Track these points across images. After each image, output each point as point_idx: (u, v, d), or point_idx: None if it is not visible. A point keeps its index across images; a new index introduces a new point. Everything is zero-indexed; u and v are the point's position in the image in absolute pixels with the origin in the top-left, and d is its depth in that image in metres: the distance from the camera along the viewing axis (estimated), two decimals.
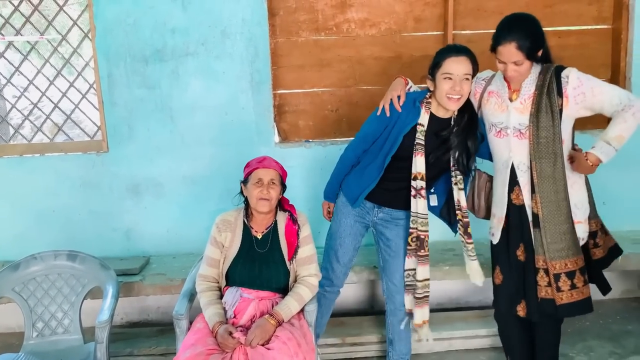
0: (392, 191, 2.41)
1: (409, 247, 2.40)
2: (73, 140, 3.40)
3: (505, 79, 2.25)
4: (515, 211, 2.28)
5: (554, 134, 2.13)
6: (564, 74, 2.15)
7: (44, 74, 3.29)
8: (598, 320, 3.25)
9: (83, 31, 3.26)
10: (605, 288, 2.46)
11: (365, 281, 3.16)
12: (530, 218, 2.24)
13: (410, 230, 2.38)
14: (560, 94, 2.13)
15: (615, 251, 2.46)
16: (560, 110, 2.14)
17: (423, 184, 2.32)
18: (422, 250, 2.38)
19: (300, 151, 3.30)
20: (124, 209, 3.28)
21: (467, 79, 2.20)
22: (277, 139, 3.34)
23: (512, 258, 2.32)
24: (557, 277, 2.21)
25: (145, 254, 3.30)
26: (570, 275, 2.21)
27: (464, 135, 2.28)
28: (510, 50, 2.09)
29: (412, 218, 2.37)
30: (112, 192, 3.26)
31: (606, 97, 2.12)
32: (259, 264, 2.26)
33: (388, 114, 2.31)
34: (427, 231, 2.37)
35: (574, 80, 2.13)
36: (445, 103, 2.22)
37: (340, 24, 3.31)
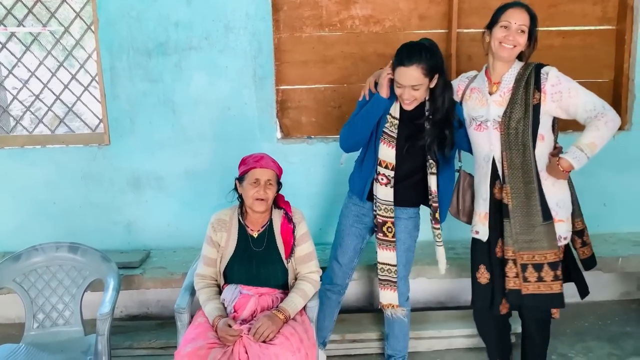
0: (398, 189, 2.40)
1: (382, 238, 2.42)
2: (75, 133, 3.39)
3: (486, 73, 2.29)
4: (497, 206, 2.29)
5: (524, 125, 2.16)
6: (544, 70, 2.20)
7: (46, 66, 3.29)
8: (597, 322, 3.26)
9: (86, 23, 3.24)
10: (583, 291, 2.48)
11: (366, 278, 3.16)
12: (502, 209, 2.27)
13: (383, 219, 2.39)
14: (538, 88, 2.17)
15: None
16: (537, 105, 2.17)
17: (392, 174, 2.33)
18: (394, 237, 2.40)
19: (302, 147, 3.30)
20: (125, 202, 3.28)
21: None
22: (279, 134, 3.33)
23: (493, 255, 2.34)
24: (524, 267, 2.23)
25: (146, 247, 3.30)
26: (538, 267, 2.23)
27: (440, 123, 2.27)
28: (521, 14, 2.16)
29: (381, 207, 2.38)
30: (113, 185, 3.26)
31: (580, 101, 2.16)
32: (257, 262, 2.25)
33: (367, 98, 2.36)
34: (392, 217, 2.38)
35: (553, 77, 2.17)
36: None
37: (344, 21, 3.30)
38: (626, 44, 3.34)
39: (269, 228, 2.29)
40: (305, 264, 2.29)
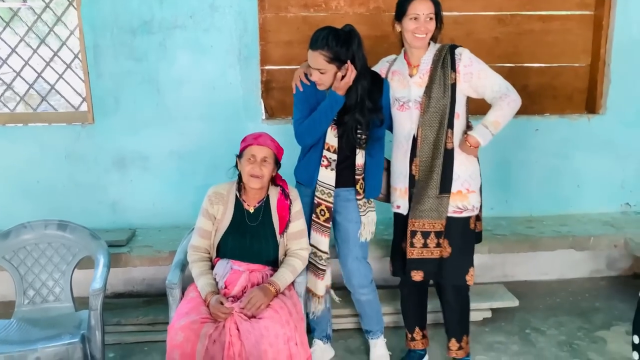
0: (341, 170, 2.45)
1: (315, 219, 2.45)
2: (58, 111, 3.36)
3: (405, 57, 2.40)
4: (413, 180, 2.41)
5: (443, 105, 2.31)
6: (457, 51, 2.33)
7: (27, 42, 3.24)
8: (568, 298, 3.42)
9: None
10: None
11: None
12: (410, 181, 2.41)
13: (318, 201, 2.43)
14: (454, 69, 2.31)
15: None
16: (454, 85, 2.32)
17: (334, 156, 2.40)
18: (328, 222, 2.46)
19: (286, 128, 3.29)
20: (110, 182, 3.28)
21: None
22: (264, 115, 3.36)
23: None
24: (413, 233, 2.39)
25: (131, 226, 3.31)
26: (425, 234, 2.38)
27: (354, 108, 2.33)
28: (425, 3, 2.29)
29: (319, 188, 2.43)
30: (97, 165, 3.25)
31: (488, 82, 2.32)
32: (250, 236, 2.30)
33: (301, 89, 2.44)
34: (332, 202, 2.43)
35: (465, 59, 2.32)
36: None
37: (330, 1, 3.32)
38: (603, 29, 3.44)
39: (265, 204, 2.35)
40: (296, 240, 2.35)
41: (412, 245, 2.39)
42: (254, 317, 2.10)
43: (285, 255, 2.37)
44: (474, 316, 3.06)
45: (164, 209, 3.33)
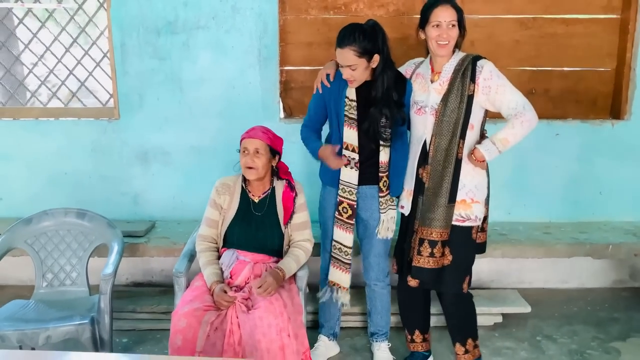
0: (364, 168, 2.48)
1: (337, 217, 2.51)
2: (86, 107, 3.53)
3: (430, 62, 2.40)
4: (418, 185, 2.42)
5: (457, 115, 2.29)
6: (479, 63, 2.31)
7: (60, 42, 3.42)
8: (586, 307, 3.34)
9: (98, 1, 3.36)
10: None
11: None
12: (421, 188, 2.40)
13: (340, 199, 2.48)
14: (473, 80, 2.28)
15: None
16: (471, 96, 2.29)
17: (356, 156, 2.43)
18: (352, 219, 2.50)
19: None
20: (133, 175, 3.42)
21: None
22: (282, 114, 3.43)
23: (410, 229, 2.47)
24: (421, 241, 2.37)
25: (152, 218, 3.44)
26: (432, 244, 2.36)
27: (380, 102, 2.36)
28: (448, 10, 2.27)
29: (341, 187, 2.47)
30: (121, 158, 3.40)
31: (506, 98, 2.29)
32: (256, 225, 2.38)
33: (320, 91, 2.50)
34: (352, 200, 2.48)
35: (486, 71, 2.29)
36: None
37: (349, 4, 3.37)
38: (629, 33, 3.36)
39: (270, 195, 2.43)
40: (300, 231, 2.43)
41: (419, 253, 2.38)
42: (252, 307, 2.17)
43: (289, 246, 2.43)
44: (484, 320, 3.04)
45: (183, 203, 3.45)
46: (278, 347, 2.07)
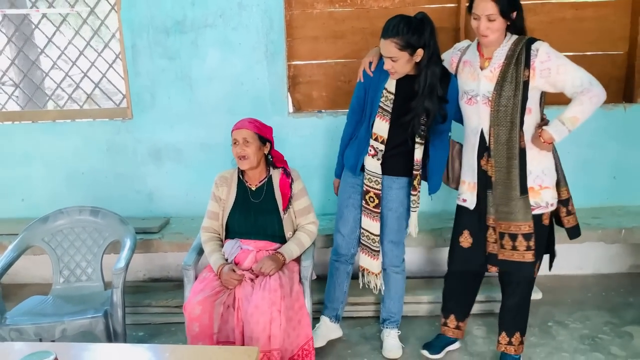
0: (386, 158, 2.51)
1: (365, 206, 2.55)
2: (101, 108, 3.63)
3: (478, 48, 2.33)
4: (484, 177, 2.38)
5: (514, 103, 2.22)
6: (534, 46, 2.22)
7: (74, 45, 3.51)
8: (600, 293, 3.30)
9: (109, 3, 3.44)
10: (551, 263, 2.60)
11: None
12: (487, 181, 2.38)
13: (367, 188, 2.52)
14: (527, 65, 2.20)
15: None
16: (526, 82, 2.21)
17: (381, 147, 2.44)
18: (377, 208, 2.53)
19: (312, 121, 3.43)
20: (147, 173, 3.51)
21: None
22: (290, 109, 3.47)
23: (483, 223, 2.44)
24: (501, 235, 2.36)
25: (166, 215, 3.53)
26: (513, 237, 2.34)
27: (422, 97, 2.33)
28: (486, 3, 2.16)
29: (367, 176, 2.51)
30: (135, 157, 3.49)
31: (569, 77, 2.19)
32: (254, 212, 2.46)
33: (362, 80, 2.49)
34: (378, 189, 2.51)
35: (542, 54, 2.20)
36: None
37: None
38: None
39: (267, 182, 2.50)
40: (304, 216, 2.51)
41: (502, 247, 2.38)
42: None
43: (295, 232, 2.51)
44: (494, 308, 3.04)
45: (196, 199, 3.51)
46: (267, 320, 2.15)
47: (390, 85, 2.42)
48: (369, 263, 2.64)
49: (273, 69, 3.36)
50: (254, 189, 2.49)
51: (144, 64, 3.37)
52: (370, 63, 2.47)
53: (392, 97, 2.42)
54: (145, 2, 3.28)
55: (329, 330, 2.80)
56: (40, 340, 2.30)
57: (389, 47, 2.28)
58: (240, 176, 2.53)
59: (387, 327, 2.77)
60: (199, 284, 2.34)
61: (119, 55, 3.47)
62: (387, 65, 2.33)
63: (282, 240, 2.48)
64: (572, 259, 3.54)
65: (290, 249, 2.42)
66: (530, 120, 2.29)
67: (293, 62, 3.46)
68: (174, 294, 3.15)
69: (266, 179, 2.49)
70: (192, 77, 3.38)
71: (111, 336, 2.37)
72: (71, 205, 2.86)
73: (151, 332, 2.99)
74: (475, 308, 2.82)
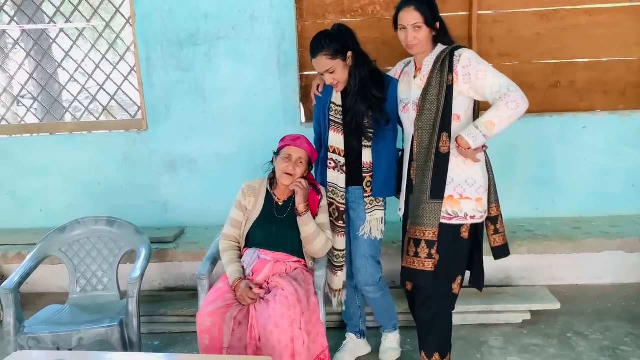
0: (351, 170, 2.50)
1: (330, 219, 2.52)
2: (116, 119, 3.68)
3: (415, 60, 2.38)
4: (410, 184, 2.35)
5: (437, 107, 2.21)
6: (457, 52, 2.23)
7: (91, 58, 3.58)
8: (621, 303, 3.23)
9: (124, 17, 3.51)
10: (478, 283, 2.44)
11: None
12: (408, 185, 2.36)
13: (330, 201, 2.52)
14: (451, 70, 2.21)
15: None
16: (450, 86, 2.21)
17: (342, 160, 2.46)
18: (340, 222, 2.51)
19: None
20: (162, 183, 3.55)
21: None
22: (303, 119, 3.49)
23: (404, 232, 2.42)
24: (409, 241, 2.29)
25: (181, 224, 3.56)
26: (416, 242, 2.26)
27: (358, 94, 2.39)
28: (410, 13, 2.23)
29: (330, 189, 2.51)
30: (150, 167, 3.53)
31: (487, 82, 2.17)
32: (277, 227, 2.45)
33: (314, 102, 2.60)
34: (344, 204, 2.50)
35: (464, 59, 2.20)
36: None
37: (366, 6, 3.40)
38: None
39: (294, 198, 2.47)
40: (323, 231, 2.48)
41: (407, 253, 2.30)
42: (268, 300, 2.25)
43: None
44: (512, 318, 3.00)
45: (211, 208, 3.55)
46: (289, 338, 2.13)
47: (337, 98, 2.48)
48: (329, 278, 2.59)
49: (285, 80, 3.39)
50: (280, 204, 2.49)
51: (159, 76, 3.42)
52: (318, 86, 2.56)
53: (340, 109, 2.47)
54: (159, 15, 3.34)
55: (356, 346, 2.76)
56: (58, 348, 2.32)
57: (322, 62, 2.36)
58: (269, 188, 2.53)
59: (384, 331, 2.76)
60: (212, 294, 2.34)
61: (134, 67, 3.52)
62: (329, 80, 2.41)
63: (300, 254, 2.47)
64: (591, 269, 3.48)
65: (313, 223, 2.40)
66: (458, 127, 2.23)
67: (305, 73, 3.48)
68: (189, 303, 3.17)
69: (293, 195, 2.48)
70: (205, 88, 3.43)
71: (127, 345, 2.39)
72: (87, 215, 2.91)
73: (167, 341, 3.00)
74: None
